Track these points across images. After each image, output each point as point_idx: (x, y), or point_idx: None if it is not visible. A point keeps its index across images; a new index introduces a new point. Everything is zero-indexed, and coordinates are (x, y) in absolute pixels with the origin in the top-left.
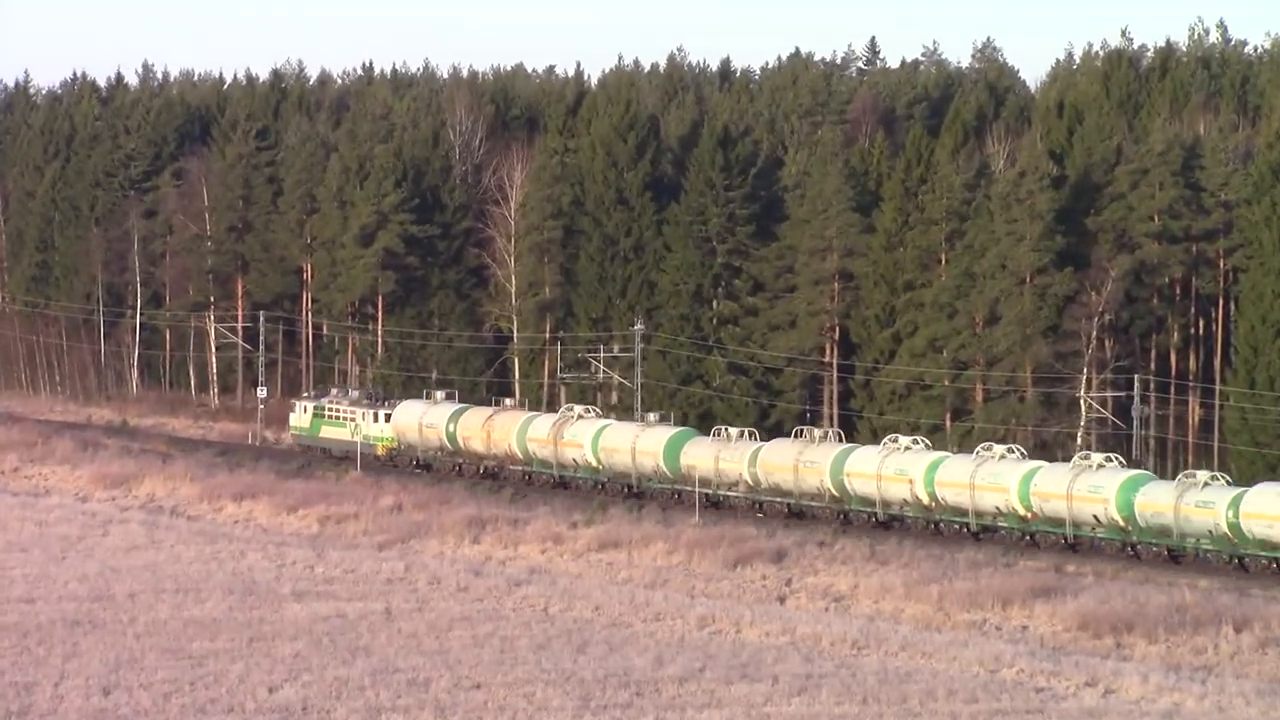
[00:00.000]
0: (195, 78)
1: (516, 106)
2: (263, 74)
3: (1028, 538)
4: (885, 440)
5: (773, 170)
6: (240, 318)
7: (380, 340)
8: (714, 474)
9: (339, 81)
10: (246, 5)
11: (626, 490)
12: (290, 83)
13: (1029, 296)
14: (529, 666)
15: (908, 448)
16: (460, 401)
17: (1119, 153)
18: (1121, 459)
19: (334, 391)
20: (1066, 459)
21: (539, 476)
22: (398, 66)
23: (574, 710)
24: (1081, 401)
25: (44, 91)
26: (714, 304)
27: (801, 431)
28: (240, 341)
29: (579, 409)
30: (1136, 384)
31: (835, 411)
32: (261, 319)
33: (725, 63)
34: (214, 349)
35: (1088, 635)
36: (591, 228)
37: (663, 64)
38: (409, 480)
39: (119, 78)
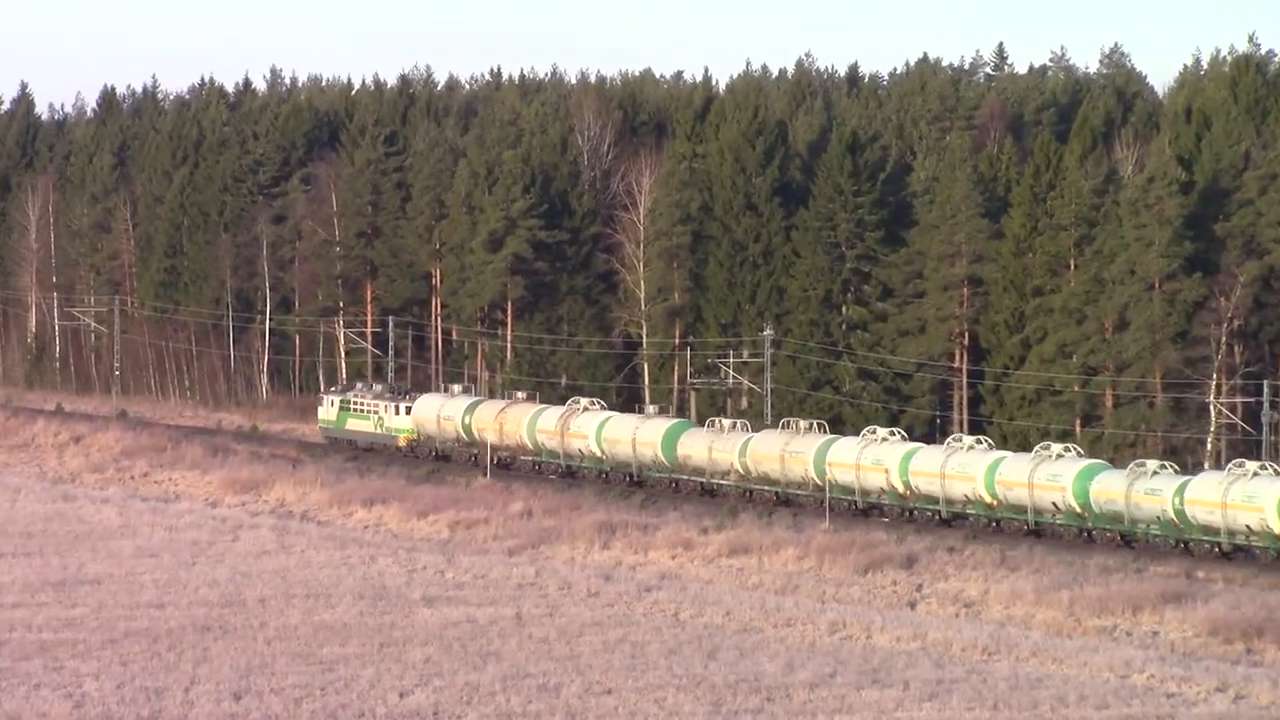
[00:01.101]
0: (323, 83)
1: (644, 112)
2: (391, 79)
3: (994, 524)
4: (864, 431)
5: (901, 176)
6: (369, 323)
7: (509, 346)
8: (707, 463)
9: (467, 87)
10: (374, 11)
11: (627, 479)
12: (418, 88)
13: (1158, 302)
14: (660, 672)
15: (884, 439)
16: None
17: (1247, 158)
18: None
19: (359, 386)
20: (1197, 465)
21: (547, 466)
22: (525, 72)
23: (705, 715)
24: (1211, 407)
25: (172, 97)
26: (843, 309)
27: (788, 423)
28: (369, 347)
29: (584, 401)
30: (1266, 389)
31: (965, 417)
32: (390, 324)
33: (853, 68)
34: (343, 354)
35: (1218, 641)
36: (720, 233)
37: (790, 69)
38: (539, 486)
39: (247, 83)
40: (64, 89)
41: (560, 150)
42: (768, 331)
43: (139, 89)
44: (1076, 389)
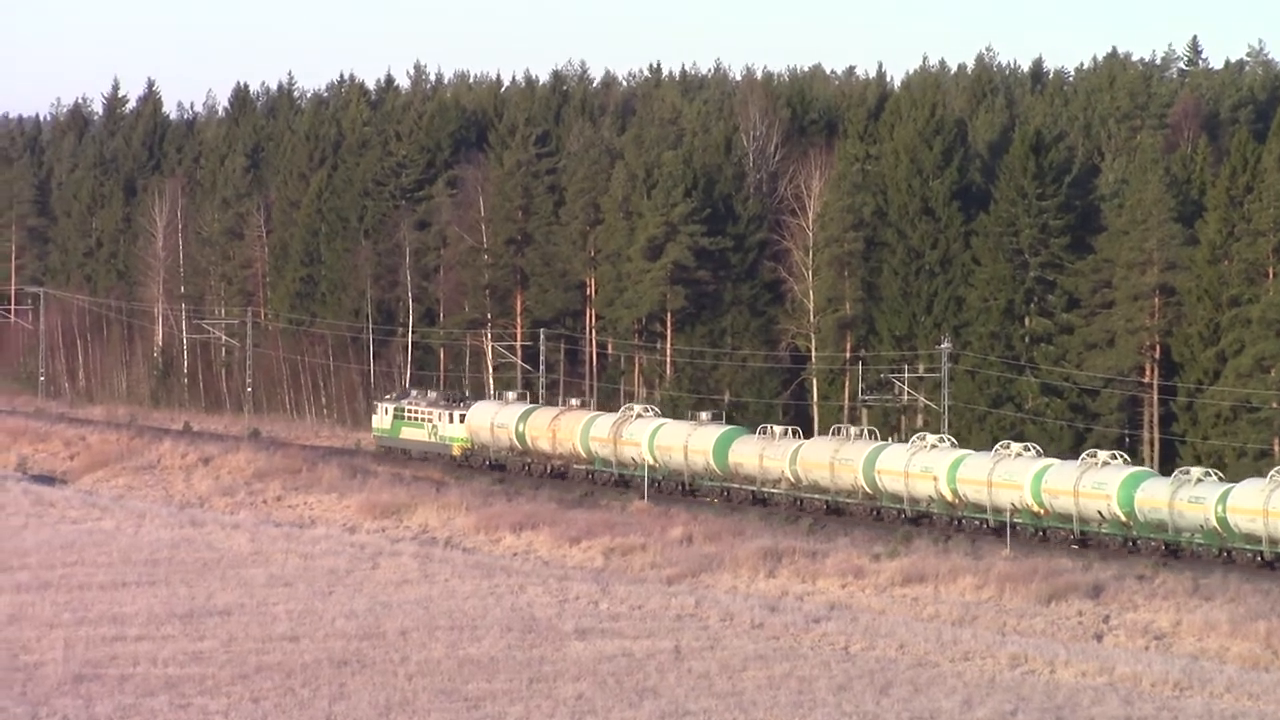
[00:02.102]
0: (471, 80)
1: (814, 110)
2: (543, 75)
3: (1040, 534)
4: (913, 438)
5: (1088, 178)
6: (519, 335)
7: (669, 360)
8: (759, 471)
9: (624, 83)
10: (525, 3)
11: (680, 488)
12: (572, 85)
13: None
14: (828, 709)
15: (934, 445)
16: (756, 425)
17: None
18: None
19: (414, 393)
20: None
21: (601, 475)
22: (687, 67)
23: None
24: None
25: (309, 95)
26: (1026, 321)
27: (839, 429)
28: (519, 361)
29: (638, 408)
30: None
31: (1156, 435)
32: (542, 337)
33: (1037, 63)
34: (491, 369)
35: None
36: (895, 239)
37: (970, 65)
38: (699, 510)
39: (389, 80)
40: (194, 87)
41: (724, 151)
42: (945, 345)
43: (273, 86)
44: (1275, 406)
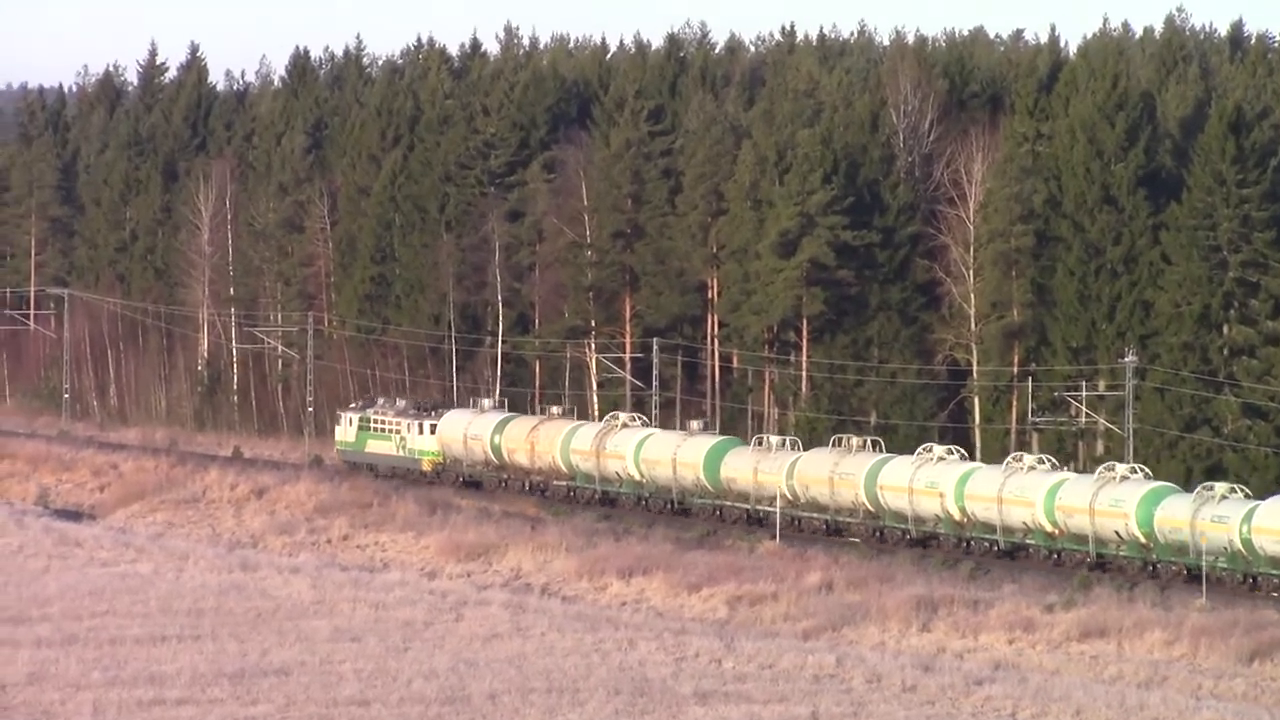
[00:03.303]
0: (571, 44)
1: (975, 81)
2: (656, 40)
3: (1054, 556)
4: (919, 449)
5: None
6: (628, 346)
7: (805, 375)
8: (753, 487)
9: (752, 49)
10: None
11: (668, 507)
12: (691, 51)
13: None
14: None
15: (940, 458)
16: (905, 450)
17: None
18: None
19: (380, 401)
20: None
21: (582, 492)
22: (826, 31)
23: None
24: None
25: (380, 61)
26: (1225, 329)
27: (840, 440)
28: (628, 376)
29: (624, 416)
30: None
31: None
32: (655, 348)
33: (1236, 26)
34: (595, 385)
35: None
36: (1071, 233)
37: (1158, 28)
38: (840, 553)
39: (475, 45)
40: (245, 53)
41: (870, 129)
42: (1130, 358)
43: (339, 52)
44: None
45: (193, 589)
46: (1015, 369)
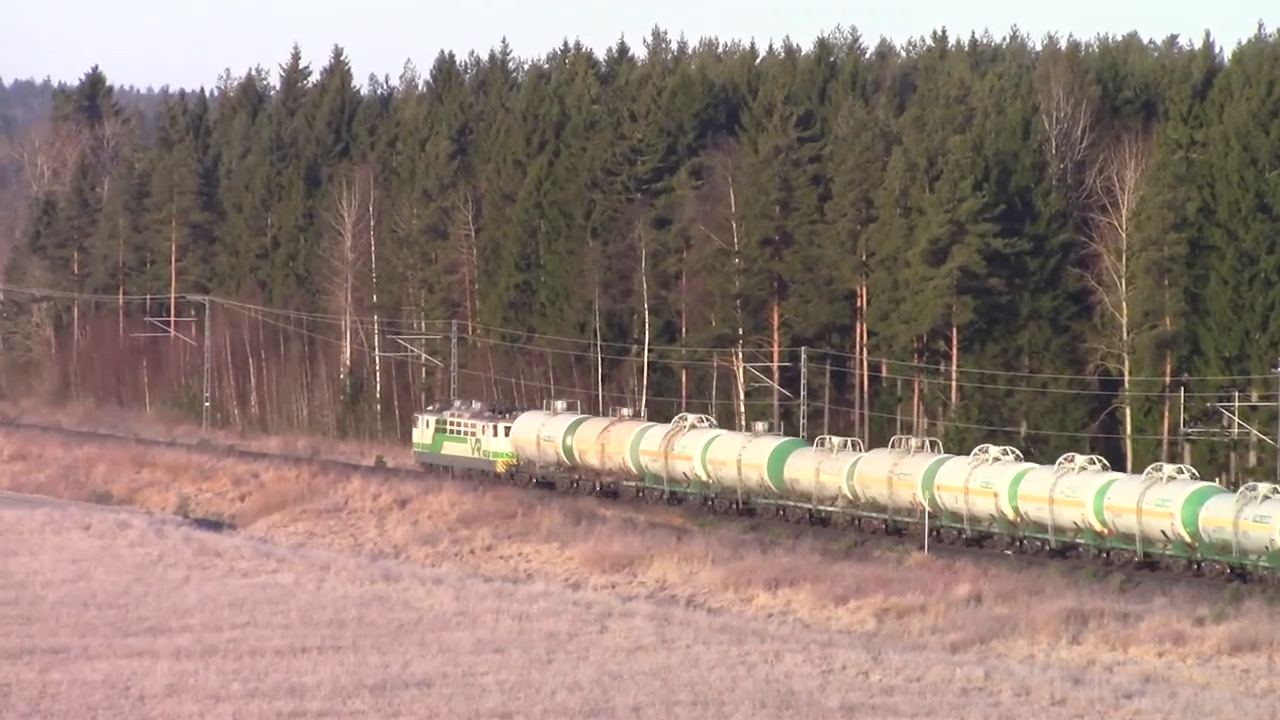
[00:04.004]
0: (720, 49)
1: (1129, 87)
2: (805, 45)
3: (1104, 555)
4: (975, 450)
5: None
6: (775, 355)
7: (954, 385)
8: (815, 487)
9: (902, 54)
10: None
11: (734, 507)
12: (840, 56)
13: None
14: None
15: (996, 459)
16: (1053, 461)
17: None
18: None
19: (457, 404)
20: None
21: (650, 492)
22: (977, 36)
23: None
24: None
25: (526, 67)
26: None
27: (899, 441)
28: (775, 385)
29: (692, 418)
30: None
31: None
32: (803, 357)
33: None
34: (742, 394)
35: None
36: (1225, 242)
37: None
38: (990, 564)
39: (622, 49)
40: (388, 57)
41: (1021, 136)
42: None
43: (484, 56)
44: None
45: (334, 600)
46: (1167, 379)
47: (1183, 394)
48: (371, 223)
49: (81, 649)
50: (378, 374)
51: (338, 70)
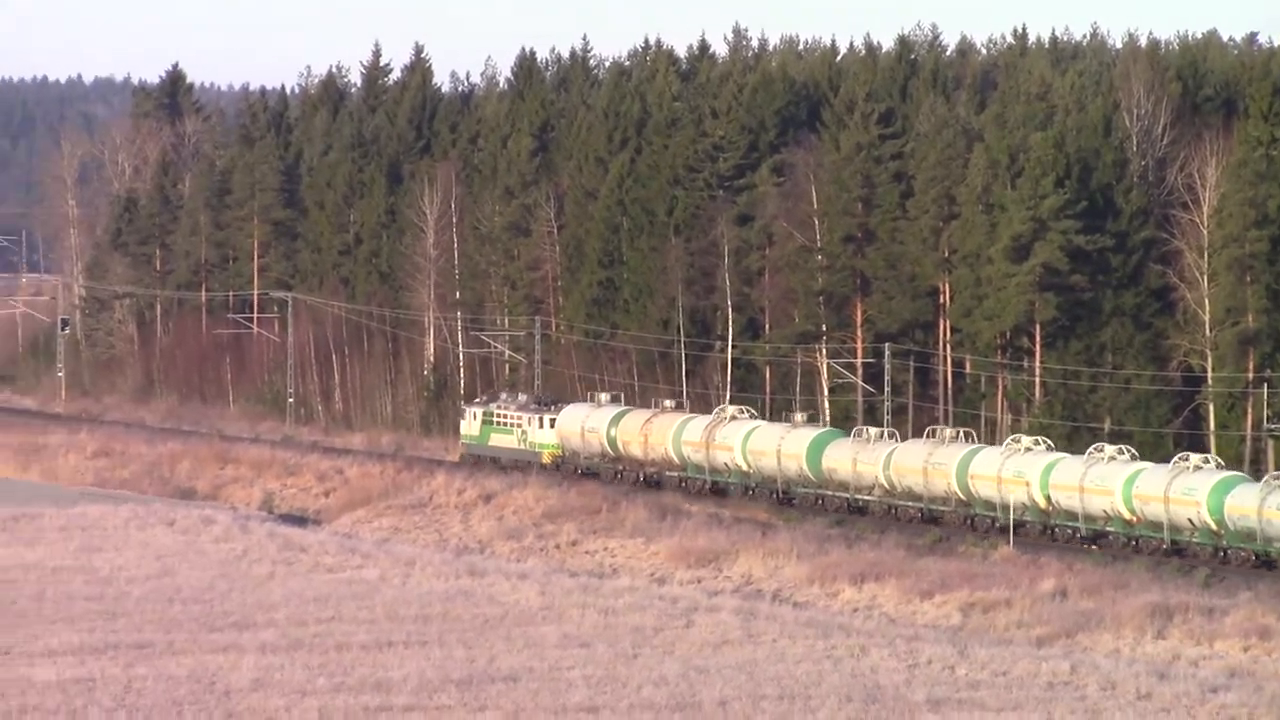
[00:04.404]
0: (801, 46)
1: (1209, 85)
2: (886, 42)
3: (1133, 543)
4: (1008, 440)
5: None
6: (859, 351)
7: (1038, 381)
8: (852, 476)
9: (983, 52)
10: None
11: (774, 496)
12: (921, 53)
13: None
14: None
15: (1028, 449)
16: (1137, 456)
17: None
18: None
19: (503, 396)
20: None
21: (693, 482)
22: (1058, 33)
23: None
24: None
25: (607, 63)
26: None
27: (934, 431)
28: (859, 381)
29: (732, 409)
30: None
31: None
32: (887, 353)
33: None
34: (825, 391)
35: None
36: None
37: None
38: (1074, 558)
39: (703, 46)
40: (469, 54)
41: (1103, 133)
42: None
43: (565, 53)
44: None
45: (419, 595)
46: (1250, 375)
47: (1265, 390)
48: (454, 219)
49: (166, 644)
50: (461, 370)
51: (419, 67)
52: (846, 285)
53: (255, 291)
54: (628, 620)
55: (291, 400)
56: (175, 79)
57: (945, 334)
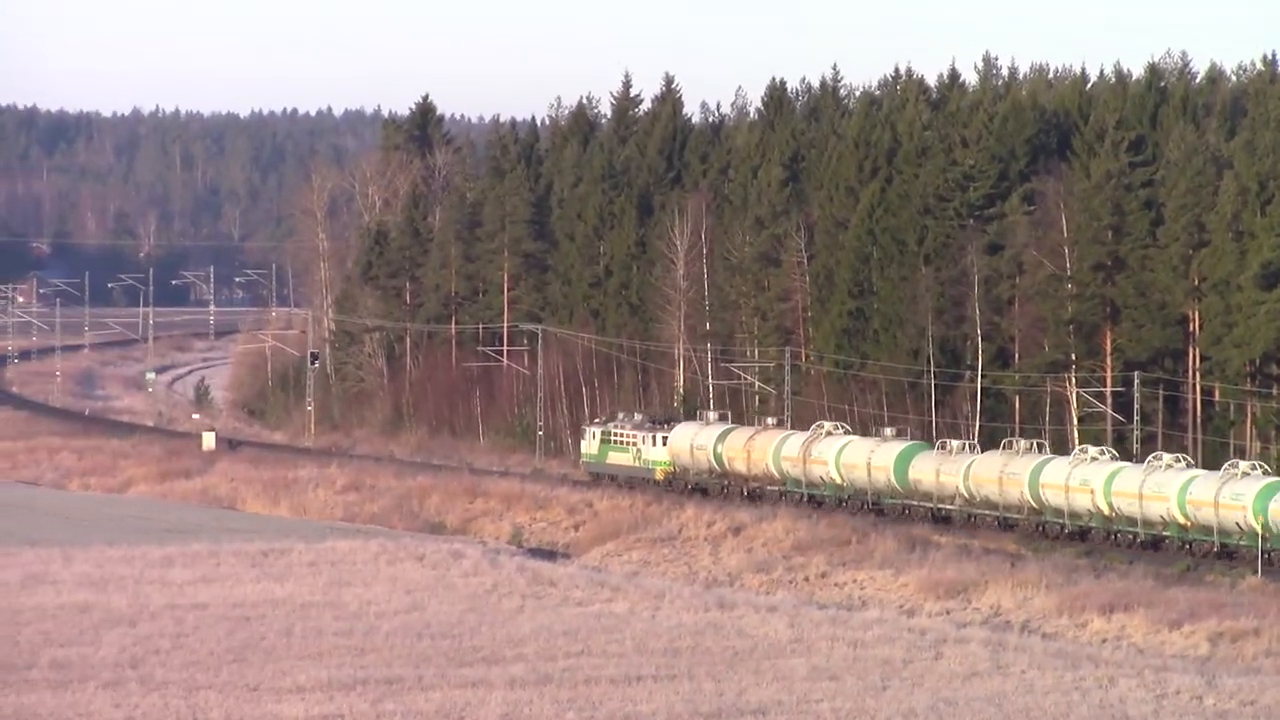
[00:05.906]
0: (1050, 74)
1: None
2: (1136, 69)
3: (1187, 546)
4: (1075, 450)
5: None
6: (1108, 380)
7: None
8: (935, 487)
9: (1233, 78)
10: None
11: (864, 507)
12: (1171, 81)
13: None
14: None
15: (1094, 458)
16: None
17: None
18: None
19: (620, 416)
20: None
21: (791, 495)
22: None
23: None
24: None
25: (858, 93)
26: None
27: (1010, 443)
28: (1109, 410)
29: (828, 425)
30: None
31: None
32: (1136, 382)
33: None
34: (1074, 419)
35: None
36: None
37: None
38: None
39: (953, 75)
40: (720, 84)
41: None
42: None
43: (815, 83)
44: None
45: (668, 628)
46: None
47: None
48: (704, 251)
49: (416, 679)
50: (711, 401)
51: (669, 98)
52: (1096, 313)
53: (505, 324)
54: (876, 652)
55: (541, 433)
56: (425, 111)
57: (1194, 362)
